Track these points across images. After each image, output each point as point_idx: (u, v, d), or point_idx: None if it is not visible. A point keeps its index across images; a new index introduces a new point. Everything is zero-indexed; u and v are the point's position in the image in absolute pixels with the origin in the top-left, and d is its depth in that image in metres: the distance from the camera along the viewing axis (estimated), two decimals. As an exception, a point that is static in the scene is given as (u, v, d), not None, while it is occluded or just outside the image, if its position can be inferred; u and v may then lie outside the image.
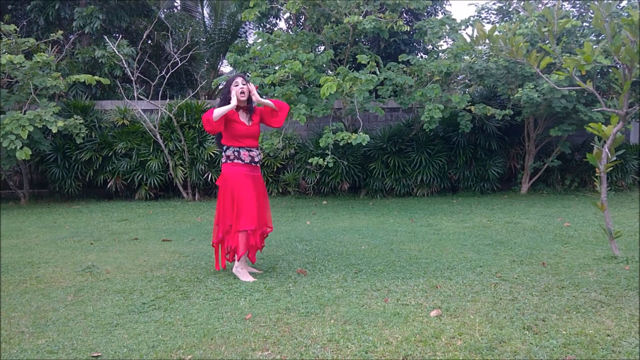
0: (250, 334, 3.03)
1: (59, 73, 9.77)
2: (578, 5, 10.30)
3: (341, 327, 3.10)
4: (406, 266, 4.58)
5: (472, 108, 8.98)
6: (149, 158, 10.04)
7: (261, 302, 3.62)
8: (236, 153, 4.27)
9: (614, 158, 4.74)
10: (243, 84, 4.24)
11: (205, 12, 16.90)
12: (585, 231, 6.20)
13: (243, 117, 4.30)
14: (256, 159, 4.35)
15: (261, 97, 4.64)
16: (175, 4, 17.04)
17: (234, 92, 4.20)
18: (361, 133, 7.91)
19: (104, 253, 5.39)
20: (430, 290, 3.82)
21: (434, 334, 2.97)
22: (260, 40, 9.23)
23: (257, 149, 4.39)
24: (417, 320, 3.20)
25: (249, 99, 4.31)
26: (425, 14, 11.63)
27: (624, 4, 9.09)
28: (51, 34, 10.44)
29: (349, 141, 7.87)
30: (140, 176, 10.04)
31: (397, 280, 4.10)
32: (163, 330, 3.12)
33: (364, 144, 7.99)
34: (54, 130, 8.80)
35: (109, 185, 10.16)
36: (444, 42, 9.54)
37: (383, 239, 5.94)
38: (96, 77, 9.79)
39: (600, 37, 8.89)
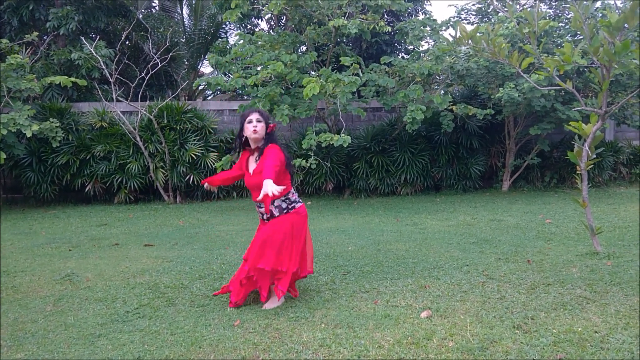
0: (239, 340, 2.97)
1: (34, 75, 9.53)
2: (554, 7, 10.45)
3: (332, 332, 3.05)
4: (394, 266, 4.56)
5: (454, 108, 9.03)
6: (128, 161, 9.86)
7: (249, 307, 3.56)
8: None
9: (594, 156, 4.80)
10: (258, 121, 3.58)
11: (184, 12, 16.70)
12: (566, 227, 6.28)
13: (252, 162, 3.68)
14: (265, 217, 3.65)
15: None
16: (154, 4, 16.79)
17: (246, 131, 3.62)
18: (343, 134, 7.89)
19: (83, 260, 5.25)
20: (419, 291, 3.80)
21: (425, 335, 2.95)
22: (241, 41, 9.14)
23: (271, 203, 3.59)
24: (407, 322, 3.18)
25: (265, 138, 3.63)
26: (406, 14, 11.66)
27: (598, 4, 9.25)
28: (25, 35, 10.18)
29: (331, 142, 7.84)
30: (120, 179, 9.86)
31: (385, 281, 4.08)
32: (149, 339, 3.03)
33: (345, 145, 7.95)
34: (29, 135, 8.58)
35: (86, 189, 9.95)
36: (424, 42, 9.58)
37: (369, 239, 5.92)
38: (72, 79, 9.57)
39: (576, 38, 9.03)
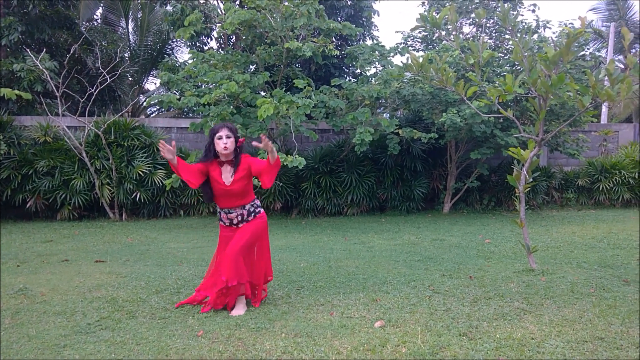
0: (204, 349, 3.06)
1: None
2: (494, 37, 11.16)
3: (293, 340, 3.20)
4: (345, 282, 4.76)
5: (400, 131, 9.42)
6: (73, 177, 9.62)
7: (210, 319, 3.65)
8: (219, 214, 4.00)
9: (531, 179, 5.23)
10: (228, 137, 3.77)
11: (130, 27, 16.47)
12: (504, 247, 6.71)
13: (226, 174, 3.85)
14: (235, 221, 3.92)
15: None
16: (96, 17, 16.46)
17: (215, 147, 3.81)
18: (296, 155, 8.05)
19: (34, 275, 5.13)
20: (371, 304, 4.01)
21: (380, 343, 3.15)
22: (192, 60, 9.21)
23: (241, 208, 3.90)
24: (363, 331, 3.37)
25: (236, 150, 3.86)
26: (355, 39, 12.10)
27: (534, 37, 9.96)
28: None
29: (285, 163, 7.99)
30: (64, 195, 9.58)
31: (339, 295, 4.26)
32: (115, 349, 3.08)
33: (301, 167, 8.12)
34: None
35: (28, 205, 9.59)
36: (373, 67, 9.99)
37: (320, 256, 6.10)
38: (16, 91, 9.27)
39: (514, 67, 9.69)
